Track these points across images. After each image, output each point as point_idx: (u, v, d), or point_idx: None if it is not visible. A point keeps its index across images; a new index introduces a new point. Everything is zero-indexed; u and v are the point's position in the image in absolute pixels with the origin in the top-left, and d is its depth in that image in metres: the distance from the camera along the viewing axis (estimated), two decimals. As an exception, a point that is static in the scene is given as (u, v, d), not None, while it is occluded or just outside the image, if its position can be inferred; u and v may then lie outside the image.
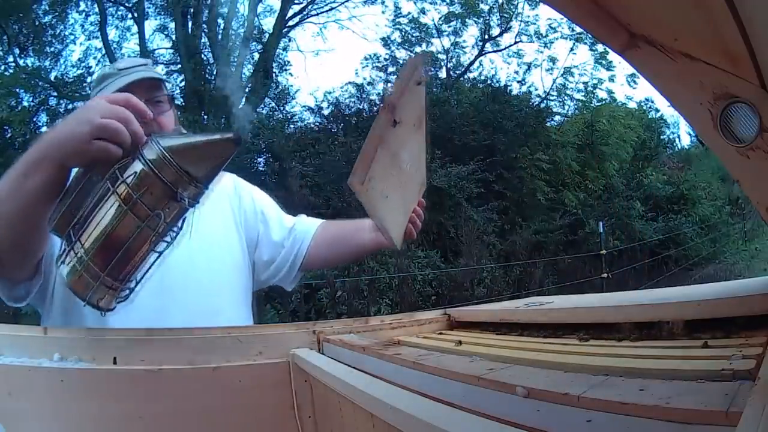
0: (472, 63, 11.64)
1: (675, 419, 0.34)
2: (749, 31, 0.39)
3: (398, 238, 0.74)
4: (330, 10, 10.88)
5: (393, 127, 0.59)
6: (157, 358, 0.76)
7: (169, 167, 0.67)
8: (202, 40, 9.77)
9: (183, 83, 9.24)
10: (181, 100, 8.93)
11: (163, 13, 10.00)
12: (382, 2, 11.04)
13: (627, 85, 12.51)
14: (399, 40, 11.13)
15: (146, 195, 0.67)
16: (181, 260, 0.90)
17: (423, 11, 11.09)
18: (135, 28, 9.91)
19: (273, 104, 10.32)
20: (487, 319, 0.90)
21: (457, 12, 11.12)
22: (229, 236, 1.14)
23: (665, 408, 0.35)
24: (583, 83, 11.94)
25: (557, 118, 11.96)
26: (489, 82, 11.47)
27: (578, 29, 9.46)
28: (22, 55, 9.35)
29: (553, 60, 11.77)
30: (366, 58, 11.26)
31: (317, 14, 10.87)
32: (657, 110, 15.01)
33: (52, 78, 9.42)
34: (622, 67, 11.44)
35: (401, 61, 10.91)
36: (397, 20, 11.05)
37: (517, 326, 0.81)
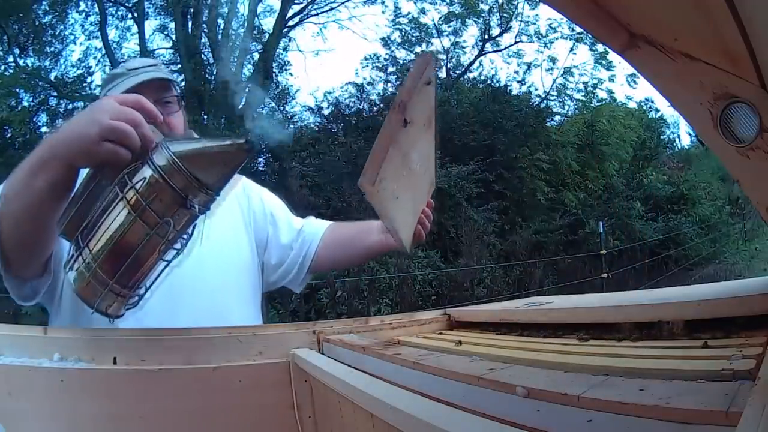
0: (472, 63, 11.65)
1: (675, 419, 0.34)
2: (749, 31, 0.39)
3: (407, 240, 0.73)
4: (330, 10, 10.89)
5: (404, 127, 0.58)
6: (157, 358, 0.76)
7: (179, 174, 0.65)
8: (202, 40, 9.77)
9: (183, 83, 9.24)
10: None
11: (163, 13, 10.00)
12: (382, 2, 11.06)
13: (627, 85, 12.55)
14: (399, 40, 11.16)
15: (155, 202, 0.65)
16: (190, 261, 0.90)
17: (423, 11, 11.11)
18: (135, 28, 9.92)
19: (273, 104, 10.32)
20: (487, 319, 0.90)
21: (457, 12, 11.12)
22: (238, 237, 1.13)
23: (665, 408, 0.35)
24: (583, 83, 11.96)
25: (557, 118, 11.99)
26: (489, 82, 11.48)
27: (578, 29, 9.47)
28: (22, 55, 9.36)
29: (553, 60, 11.79)
30: (366, 58, 11.29)
31: (317, 14, 10.89)
32: (657, 110, 15.04)
33: (52, 78, 9.42)
34: (622, 67, 11.46)
35: (401, 61, 10.92)
36: (397, 20, 11.06)
37: (517, 326, 0.81)
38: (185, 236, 0.73)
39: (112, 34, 9.88)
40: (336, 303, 6.78)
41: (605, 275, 7.73)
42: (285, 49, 10.71)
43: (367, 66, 11.24)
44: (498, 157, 9.25)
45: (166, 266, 0.73)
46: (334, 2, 10.82)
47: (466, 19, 11.25)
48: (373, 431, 0.54)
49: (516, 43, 11.53)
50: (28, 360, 0.76)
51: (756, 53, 0.41)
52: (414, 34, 11.15)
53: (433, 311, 1.02)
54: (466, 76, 11.64)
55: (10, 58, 9.14)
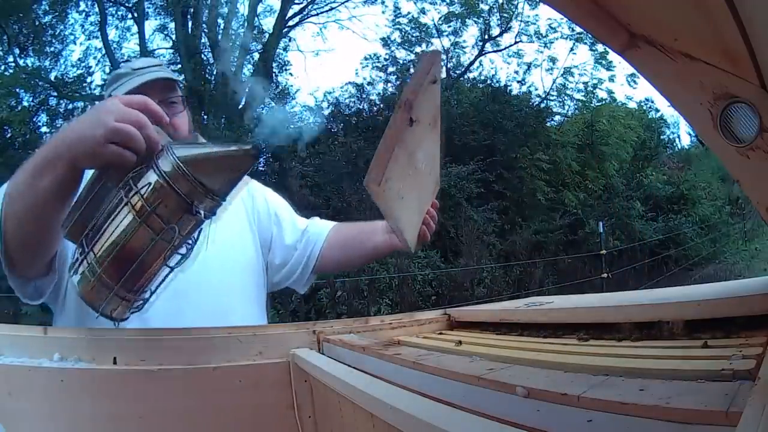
0: (472, 63, 11.63)
1: (675, 419, 0.34)
2: (749, 31, 0.39)
3: (413, 240, 0.72)
4: (330, 10, 10.88)
5: (410, 127, 0.57)
6: (157, 358, 0.76)
7: (184, 179, 0.64)
8: (202, 40, 9.77)
9: (183, 83, 9.23)
10: (181, 100, 8.92)
11: (163, 13, 10.00)
12: (382, 2, 11.05)
13: (627, 85, 12.54)
14: (399, 40, 11.15)
15: (161, 207, 0.65)
16: (195, 262, 0.89)
17: (423, 11, 11.09)
18: (135, 28, 9.91)
19: (273, 104, 10.31)
20: (487, 319, 0.90)
21: (457, 12, 11.12)
22: (243, 237, 1.13)
23: (665, 408, 0.35)
24: (583, 83, 11.94)
25: (557, 118, 11.98)
26: (489, 82, 11.47)
27: (578, 29, 9.47)
28: (22, 55, 9.35)
29: (553, 60, 11.77)
30: (366, 58, 11.27)
31: (317, 14, 10.88)
32: (657, 110, 15.03)
33: (52, 78, 9.42)
34: (622, 67, 11.45)
35: (401, 61, 10.92)
36: (397, 20, 11.05)
37: (517, 326, 0.81)
38: (191, 241, 0.72)
39: (112, 34, 9.89)
40: (336, 303, 6.78)
41: (605, 275, 7.73)
42: (285, 49, 10.73)
43: (367, 66, 11.25)
44: (498, 157, 9.25)
45: (171, 271, 0.72)
46: (334, 2, 10.83)
47: (466, 19, 11.24)
48: (373, 431, 0.54)
49: (516, 43, 11.53)
50: (28, 360, 0.76)
51: (756, 53, 0.41)
52: (414, 34, 11.15)
53: (433, 311, 1.02)
54: (466, 76, 11.64)
55: (10, 58, 9.14)
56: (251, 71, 9.77)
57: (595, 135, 11.12)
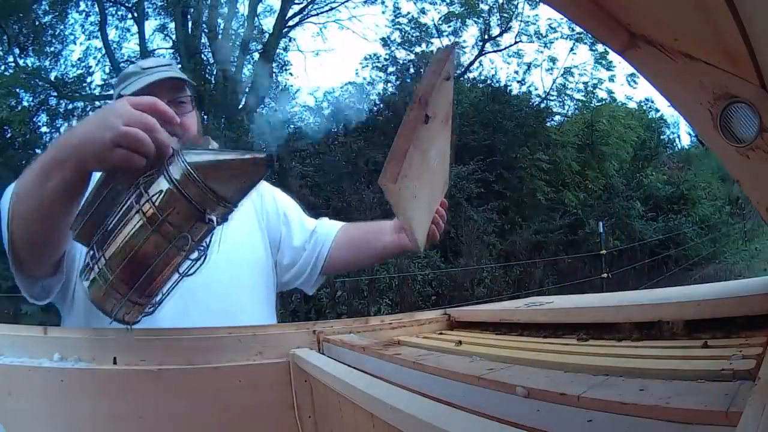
0: (472, 63, 11.62)
1: (675, 419, 0.34)
2: (749, 31, 0.39)
3: (422, 240, 0.72)
4: (330, 10, 10.88)
5: (425, 124, 0.56)
6: (157, 358, 0.76)
7: (196, 188, 0.64)
8: (202, 40, 9.78)
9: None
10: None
11: (163, 13, 10.00)
12: (382, 2, 11.05)
13: (627, 85, 12.53)
14: (399, 40, 11.15)
15: (172, 215, 0.64)
16: (204, 262, 0.89)
17: (423, 11, 11.09)
18: (135, 28, 9.92)
19: (273, 104, 10.32)
20: (487, 319, 0.90)
21: (457, 12, 11.11)
22: (252, 236, 1.13)
23: (665, 408, 0.35)
24: (583, 83, 11.94)
25: (557, 118, 11.99)
26: (489, 82, 11.48)
27: (578, 29, 9.47)
28: (22, 55, 9.35)
29: (553, 60, 11.77)
30: (366, 58, 11.29)
31: (317, 14, 10.88)
32: (657, 110, 15.03)
33: (52, 78, 9.42)
34: (622, 67, 11.44)
35: (401, 61, 10.93)
36: (397, 20, 11.06)
37: (517, 326, 0.81)
38: (203, 246, 0.72)
39: (112, 34, 9.89)
40: (336, 303, 6.78)
41: (605, 275, 7.73)
42: (285, 49, 10.73)
43: (367, 66, 11.26)
44: (498, 157, 9.26)
45: (183, 276, 0.72)
46: (334, 2, 10.83)
47: (466, 19, 11.24)
48: (373, 431, 0.54)
49: (516, 43, 11.53)
50: (28, 360, 0.76)
51: (756, 53, 0.41)
52: (414, 34, 11.15)
53: (433, 311, 1.02)
54: (466, 76, 11.62)
55: (10, 58, 9.15)
56: (251, 71, 9.78)
57: (595, 135, 11.13)
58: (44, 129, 9.20)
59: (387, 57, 11.12)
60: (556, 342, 0.68)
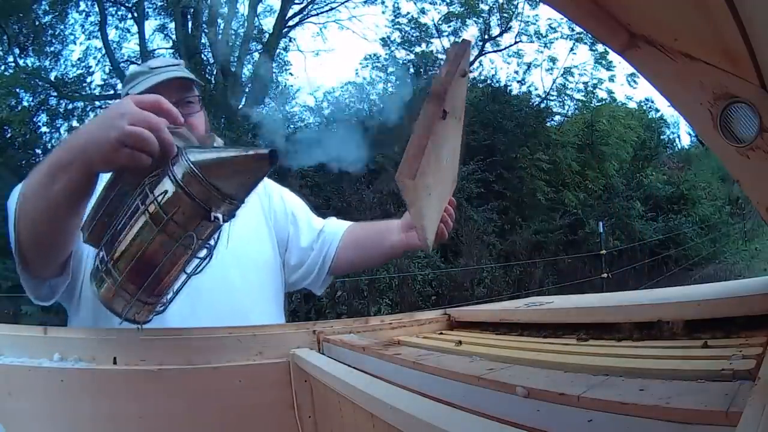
0: (471, 63, 11.52)
1: (675, 419, 0.34)
2: (749, 31, 0.39)
3: (432, 238, 0.71)
4: (330, 10, 10.89)
5: (442, 119, 0.55)
6: (157, 358, 0.76)
7: (200, 186, 0.64)
8: (202, 40, 9.77)
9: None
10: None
11: (163, 13, 10.00)
12: (382, 2, 11.05)
13: (627, 85, 12.53)
14: (399, 40, 11.15)
15: (178, 215, 0.64)
16: (213, 261, 0.89)
17: (423, 11, 11.10)
18: (135, 28, 9.92)
19: (273, 104, 10.32)
20: (487, 319, 0.90)
21: (457, 12, 11.11)
22: (260, 236, 1.13)
23: (665, 408, 0.35)
24: (583, 83, 11.94)
25: (557, 118, 11.98)
26: (489, 82, 11.47)
27: (578, 29, 9.47)
28: (22, 55, 9.36)
29: (553, 60, 11.77)
30: (366, 58, 11.29)
31: (317, 14, 10.88)
32: (657, 110, 15.02)
33: (52, 78, 9.43)
34: (622, 67, 11.44)
35: (401, 61, 10.92)
36: (397, 20, 11.06)
37: (517, 326, 0.81)
38: (211, 242, 0.72)
39: (112, 34, 9.89)
40: (336, 303, 6.78)
41: (605, 275, 7.73)
42: (285, 49, 10.73)
43: (367, 66, 11.26)
44: (498, 157, 9.25)
45: (192, 274, 0.72)
46: (334, 2, 10.83)
47: (466, 19, 11.24)
48: (373, 431, 0.54)
49: (516, 43, 11.53)
50: (28, 360, 0.76)
51: (756, 53, 0.41)
52: (414, 34, 11.15)
53: (433, 311, 1.02)
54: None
55: (10, 58, 9.15)
56: (251, 71, 9.78)
57: (595, 135, 11.12)
58: (44, 129, 9.21)
59: (387, 57, 11.14)
60: (556, 342, 0.68)
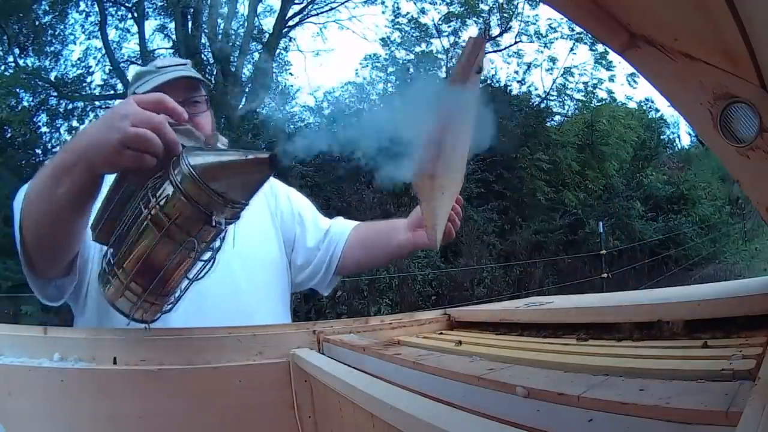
0: (471, 63, 11.59)
1: (675, 419, 0.34)
2: (749, 31, 0.39)
3: (440, 237, 0.71)
4: (330, 10, 10.88)
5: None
6: (157, 358, 0.76)
7: (201, 191, 0.63)
8: (202, 40, 9.77)
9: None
10: (181, 100, 8.93)
11: (163, 13, 10.00)
12: (382, 2, 11.05)
13: (627, 85, 12.55)
14: (399, 40, 11.15)
15: (179, 219, 0.64)
16: (219, 261, 0.89)
17: (423, 11, 11.09)
18: (135, 28, 9.92)
19: (273, 104, 10.32)
20: (487, 319, 0.90)
21: (457, 12, 11.11)
22: (266, 236, 1.12)
23: (665, 408, 0.35)
24: (583, 83, 11.93)
25: (557, 118, 11.97)
26: (489, 82, 11.46)
27: (578, 29, 9.47)
28: (22, 55, 9.35)
29: (553, 60, 11.76)
30: (366, 58, 11.29)
31: (317, 14, 10.88)
32: (657, 110, 15.00)
33: (52, 78, 9.43)
34: (622, 67, 11.43)
35: (401, 61, 10.92)
36: (397, 20, 11.06)
37: (517, 326, 0.81)
38: (216, 244, 0.72)
39: (112, 34, 9.88)
40: (336, 303, 6.78)
41: (605, 275, 7.73)
42: (285, 49, 10.73)
43: (367, 66, 11.26)
44: (498, 157, 9.25)
45: (198, 276, 0.72)
46: (334, 2, 10.83)
47: (466, 19, 11.23)
48: (373, 431, 0.54)
49: (516, 43, 11.52)
50: (28, 360, 0.76)
51: (756, 53, 0.41)
52: (414, 34, 11.15)
53: (433, 311, 1.02)
54: (465, 76, 11.59)
55: (10, 58, 9.15)
56: (251, 71, 9.78)
57: (595, 135, 11.12)
58: (44, 129, 9.21)
59: (387, 57, 11.14)
60: (556, 342, 0.68)
